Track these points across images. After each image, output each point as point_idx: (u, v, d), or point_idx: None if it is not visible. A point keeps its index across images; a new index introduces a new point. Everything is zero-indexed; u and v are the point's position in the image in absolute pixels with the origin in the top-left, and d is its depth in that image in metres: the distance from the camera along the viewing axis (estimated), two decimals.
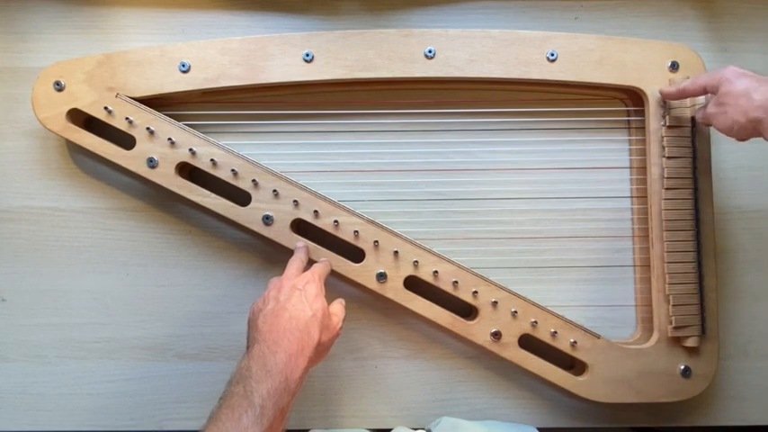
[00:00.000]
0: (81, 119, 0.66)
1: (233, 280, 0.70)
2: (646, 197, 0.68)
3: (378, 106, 0.69)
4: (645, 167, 0.68)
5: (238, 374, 0.51)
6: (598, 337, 0.66)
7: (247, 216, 0.65)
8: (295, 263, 0.61)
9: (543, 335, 0.66)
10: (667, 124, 0.65)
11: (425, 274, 0.65)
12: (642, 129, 0.68)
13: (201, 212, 0.69)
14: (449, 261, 0.66)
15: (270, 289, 0.58)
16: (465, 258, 0.67)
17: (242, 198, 0.65)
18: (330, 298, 0.58)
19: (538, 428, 0.66)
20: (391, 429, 0.66)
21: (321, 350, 0.56)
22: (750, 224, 0.71)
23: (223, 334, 0.69)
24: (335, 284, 0.68)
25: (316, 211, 0.65)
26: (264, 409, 0.48)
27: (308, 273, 0.59)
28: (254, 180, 0.64)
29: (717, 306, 0.66)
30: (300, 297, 0.55)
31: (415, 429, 0.66)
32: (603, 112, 0.70)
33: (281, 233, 0.65)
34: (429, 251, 0.66)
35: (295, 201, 0.64)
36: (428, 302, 0.65)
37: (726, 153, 0.71)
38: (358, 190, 0.69)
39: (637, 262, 0.70)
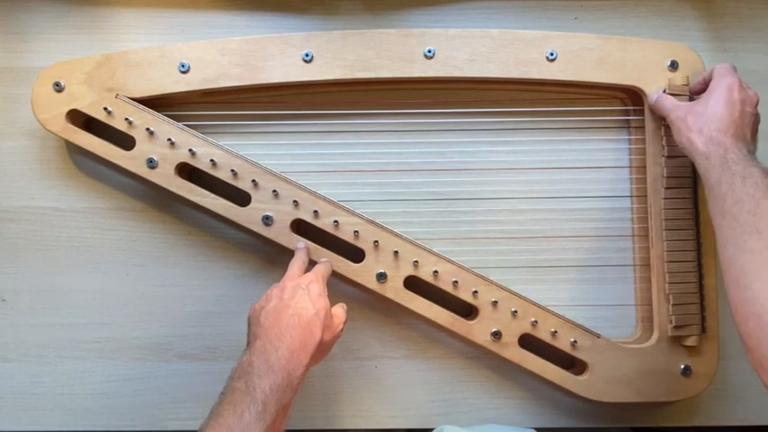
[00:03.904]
0: (81, 119, 0.66)
1: (233, 280, 0.70)
2: (645, 197, 0.67)
3: (377, 106, 0.69)
4: (645, 167, 0.68)
5: (240, 369, 0.51)
6: (598, 336, 0.66)
7: (247, 216, 0.65)
8: (296, 263, 0.61)
9: (543, 334, 0.66)
10: (667, 123, 0.65)
11: (425, 274, 0.65)
12: (642, 128, 0.68)
13: (201, 213, 0.69)
14: (449, 261, 0.66)
15: (272, 288, 0.58)
16: (465, 258, 0.67)
17: (242, 198, 0.65)
18: (331, 298, 0.58)
19: (538, 428, 0.66)
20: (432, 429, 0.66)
21: (323, 349, 0.55)
22: None
23: (223, 334, 0.69)
24: (335, 284, 0.68)
25: (315, 212, 0.65)
26: (267, 406, 0.48)
27: (310, 273, 0.59)
28: (253, 180, 0.64)
29: (717, 305, 0.66)
30: (304, 295, 0.55)
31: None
32: (603, 112, 0.70)
33: (281, 233, 0.65)
34: (429, 251, 0.65)
35: (295, 201, 0.64)
36: (428, 302, 0.65)
37: None
38: (358, 190, 0.69)
39: (637, 261, 0.70)
